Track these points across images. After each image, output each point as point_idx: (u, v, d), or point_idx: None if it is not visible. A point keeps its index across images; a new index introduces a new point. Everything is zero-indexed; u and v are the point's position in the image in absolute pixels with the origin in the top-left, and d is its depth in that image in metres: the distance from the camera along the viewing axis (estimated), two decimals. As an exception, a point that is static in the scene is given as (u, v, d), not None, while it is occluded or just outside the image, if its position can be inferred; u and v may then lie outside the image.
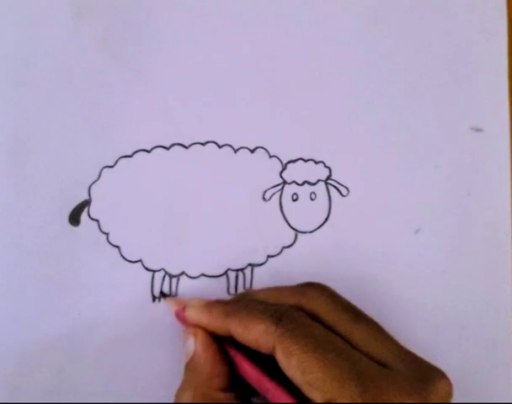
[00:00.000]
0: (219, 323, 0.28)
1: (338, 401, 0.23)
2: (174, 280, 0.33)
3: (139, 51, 0.34)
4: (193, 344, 0.29)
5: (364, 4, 0.36)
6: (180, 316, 0.30)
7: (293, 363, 0.24)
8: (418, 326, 0.34)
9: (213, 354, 0.28)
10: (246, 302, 0.29)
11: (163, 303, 0.32)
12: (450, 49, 0.36)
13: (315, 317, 0.27)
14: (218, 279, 0.33)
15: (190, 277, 0.33)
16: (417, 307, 0.34)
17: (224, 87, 0.34)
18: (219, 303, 0.29)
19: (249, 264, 0.33)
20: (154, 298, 0.33)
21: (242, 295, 0.32)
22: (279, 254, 0.34)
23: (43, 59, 0.34)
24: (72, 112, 0.33)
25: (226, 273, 0.33)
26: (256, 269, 0.33)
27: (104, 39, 0.34)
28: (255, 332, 0.26)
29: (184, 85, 0.34)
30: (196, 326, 0.29)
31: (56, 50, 0.34)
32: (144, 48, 0.34)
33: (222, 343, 0.29)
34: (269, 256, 0.34)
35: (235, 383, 0.28)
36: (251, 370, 0.27)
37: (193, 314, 0.29)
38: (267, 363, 0.26)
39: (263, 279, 0.33)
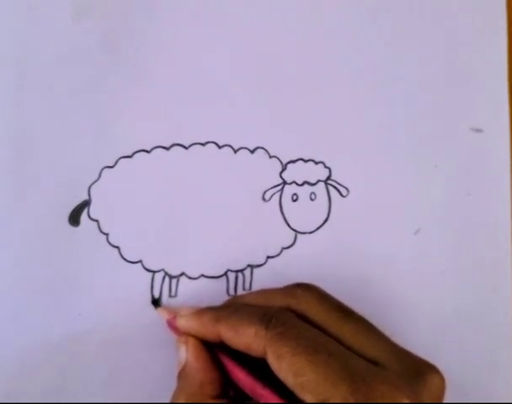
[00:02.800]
0: (209, 329, 0.28)
1: (330, 401, 0.23)
2: (174, 281, 0.33)
3: (139, 51, 0.34)
4: (184, 352, 0.28)
5: (363, 5, 0.36)
6: (172, 325, 0.30)
7: (284, 366, 0.24)
8: (418, 326, 0.34)
9: (205, 362, 0.28)
10: (236, 307, 0.29)
11: (155, 312, 0.33)
12: (450, 49, 0.36)
13: (305, 318, 0.27)
14: (218, 279, 0.33)
15: (190, 278, 0.33)
16: (417, 307, 0.34)
17: (224, 88, 0.34)
18: (209, 309, 0.29)
19: (249, 265, 0.33)
20: (154, 299, 0.33)
21: (232, 299, 0.31)
22: (278, 255, 0.34)
23: (43, 59, 0.34)
24: (72, 112, 0.33)
25: (225, 273, 0.33)
26: (255, 270, 0.33)
27: (104, 39, 0.34)
28: (245, 336, 0.26)
29: (184, 85, 0.34)
30: (187, 334, 0.29)
31: (56, 50, 0.34)
32: (144, 48, 0.34)
33: (214, 350, 0.28)
34: (268, 257, 0.34)
35: (228, 389, 0.28)
36: (243, 376, 0.27)
37: (183, 322, 0.29)
38: (259, 365, 0.26)
39: (262, 280, 0.33)
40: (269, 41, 0.35)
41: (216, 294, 0.33)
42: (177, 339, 0.30)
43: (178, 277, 0.33)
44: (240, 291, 0.33)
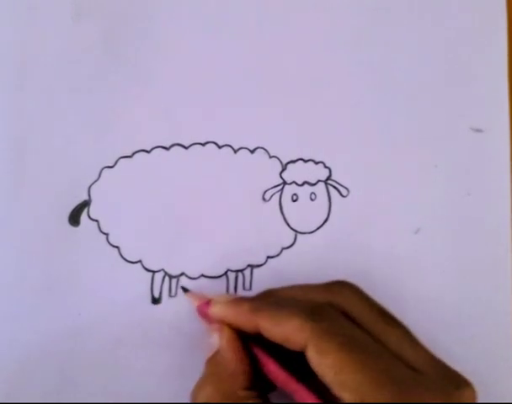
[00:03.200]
0: (247, 318, 0.27)
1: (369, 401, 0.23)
2: (174, 281, 0.33)
3: (139, 52, 0.34)
4: (217, 340, 0.28)
5: (363, 5, 0.36)
6: (202, 311, 0.30)
7: (327, 362, 0.24)
8: (418, 327, 0.34)
9: (238, 352, 0.27)
10: (276, 298, 0.28)
11: (185, 297, 0.32)
12: (450, 49, 0.36)
13: (347, 316, 0.27)
14: (218, 279, 0.33)
15: (190, 277, 0.33)
16: (416, 307, 0.34)
17: (224, 88, 0.34)
18: (246, 299, 0.29)
19: (249, 265, 0.33)
20: (154, 299, 0.33)
21: (267, 292, 0.30)
22: (278, 255, 0.34)
23: (43, 59, 0.34)
24: (72, 112, 0.33)
25: (225, 273, 0.33)
26: (255, 270, 0.33)
27: (104, 39, 0.34)
28: (287, 328, 0.25)
29: (184, 85, 0.34)
30: (220, 322, 0.29)
31: (55, 51, 0.34)
32: (144, 48, 0.34)
33: (246, 341, 0.28)
34: (268, 257, 0.34)
35: (258, 381, 0.28)
36: (277, 370, 0.26)
37: (219, 310, 0.29)
38: (282, 354, 0.26)
39: (262, 280, 0.33)
40: (269, 41, 0.35)
41: (216, 294, 0.33)
42: (209, 327, 0.29)
43: (178, 277, 0.33)
44: (240, 291, 0.33)
